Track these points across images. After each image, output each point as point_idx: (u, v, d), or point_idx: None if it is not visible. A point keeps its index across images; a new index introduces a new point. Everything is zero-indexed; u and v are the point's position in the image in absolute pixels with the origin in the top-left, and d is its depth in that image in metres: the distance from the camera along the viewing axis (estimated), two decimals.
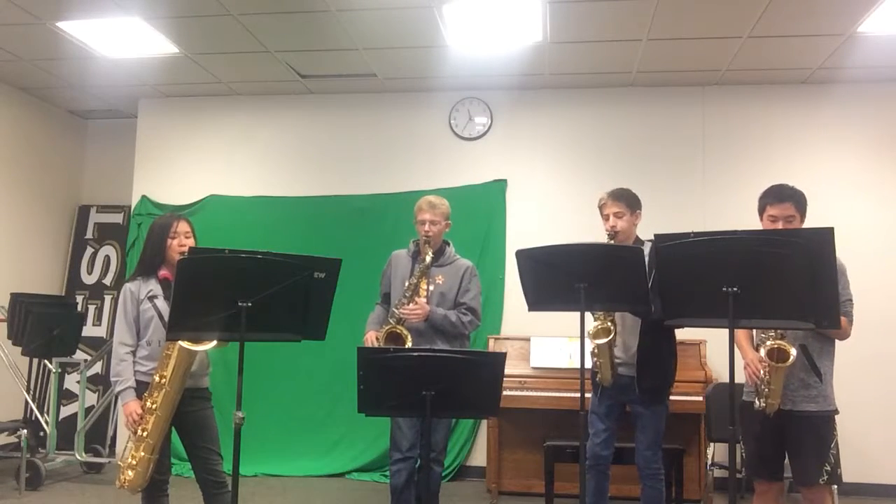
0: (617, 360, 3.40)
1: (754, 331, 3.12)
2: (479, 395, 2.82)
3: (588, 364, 3.22)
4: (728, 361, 2.52)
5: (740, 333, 3.16)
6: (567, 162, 5.92)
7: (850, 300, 3.00)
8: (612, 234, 3.42)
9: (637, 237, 3.51)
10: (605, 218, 3.48)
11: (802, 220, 3.03)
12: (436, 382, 2.72)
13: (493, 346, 5.41)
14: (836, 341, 3.04)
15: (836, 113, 5.65)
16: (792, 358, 2.84)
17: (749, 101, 5.75)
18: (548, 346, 5.21)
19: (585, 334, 3.28)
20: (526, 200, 5.90)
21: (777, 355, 2.87)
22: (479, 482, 5.45)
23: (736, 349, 2.58)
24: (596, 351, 3.32)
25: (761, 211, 3.10)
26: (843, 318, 2.93)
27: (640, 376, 3.36)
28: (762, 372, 2.93)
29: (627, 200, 3.46)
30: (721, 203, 5.62)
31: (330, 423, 5.79)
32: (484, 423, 5.46)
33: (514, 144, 5.98)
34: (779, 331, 2.89)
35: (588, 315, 3.25)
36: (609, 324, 3.30)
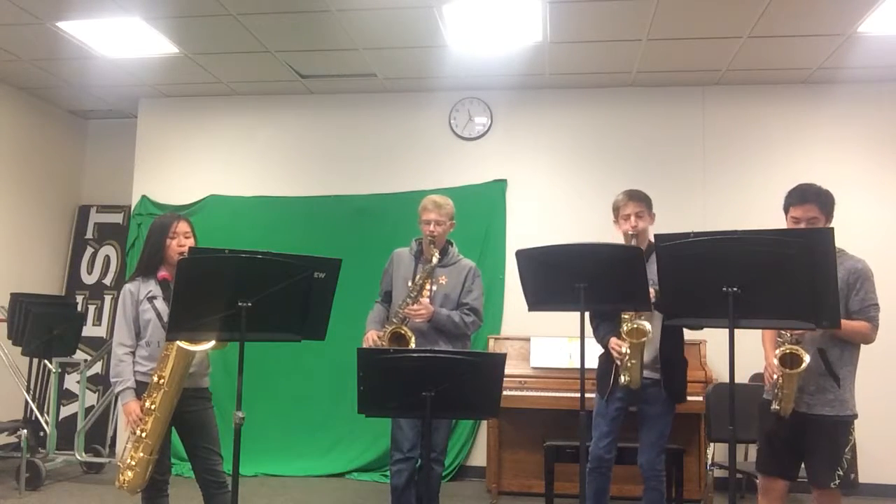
0: None
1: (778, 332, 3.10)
2: (479, 396, 2.82)
3: (588, 364, 3.21)
4: (728, 361, 2.52)
5: (766, 333, 3.16)
6: (567, 162, 5.92)
7: (876, 305, 2.97)
8: (635, 233, 3.40)
9: (650, 240, 3.45)
10: (625, 218, 3.45)
11: (828, 221, 2.97)
12: (436, 383, 2.71)
13: (493, 346, 5.41)
14: (862, 346, 3.01)
15: (836, 113, 5.65)
16: (804, 364, 2.82)
17: (749, 101, 5.75)
18: (548, 346, 5.21)
19: (620, 334, 3.28)
20: (526, 200, 5.90)
21: (790, 361, 2.85)
22: (480, 482, 5.45)
23: (737, 349, 2.57)
24: (629, 351, 3.26)
25: (785, 210, 3.06)
26: (867, 323, 2.94)
27: (667, 378, 3.36)
28: (775, 376, 2.92)
29: (646, 200, 3.48)
30: (721, 203, 5.62)
31: (330, 423, 5.79)
32: (484, 423, 5.46)
33: (514, 144, 5.98)
34: (794, 335, 2.86)
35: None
36: (645, 324, 3.21)
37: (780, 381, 2.90)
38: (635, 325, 3.23)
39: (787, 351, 2.86)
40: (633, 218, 3.43)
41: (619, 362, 3.35)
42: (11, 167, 6.30)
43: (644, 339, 3.23)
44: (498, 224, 5.87)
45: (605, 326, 3.47)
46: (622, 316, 3.28)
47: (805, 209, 2.97)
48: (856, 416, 2.99)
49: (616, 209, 3.53)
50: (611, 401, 3.45)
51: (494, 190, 5.93)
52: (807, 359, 2.82)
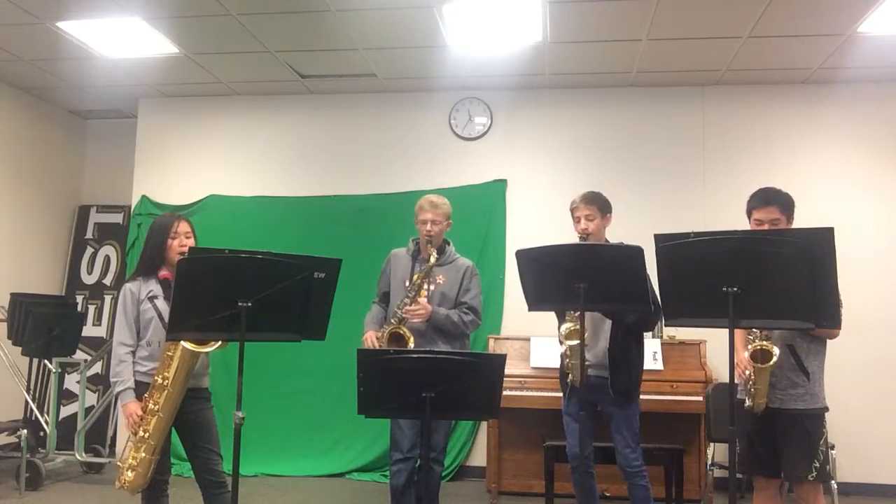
0: (587, 363, 3.39)
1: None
2: (479, 397, 2.83)
3: (587, 363, 3.22)
4: (728, 361, 2.53)
5: (735, 334, 3.18)
6: (567, 162, 5.92)
7: (839, 301, 3.01)
8: (584, 236, 3.46)
9: (606, 240, 3.56)
10: (577, 220, 3.53)
11: (789, 223, 3.07)
12: (436, 384, 2.72)
13: (493, 346, 5.41)
14: (828, 340, 3.06)
15: (836, 113, 5.65)
16: (774, 359, 2.88)
17: (749, 101, 5.75)
18: (548, 346, 5.18)
19: (558, 335, 3.35)
20: (526, 200, 5.90)
21: (760, 356, 2.92)
22: (479, 482, 5.45)
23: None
24: (568, 353, 3.33)
25: (749, 214, 3.14)
26: None
27: (614, 378, 3.38)
28: (747, 372, 2.97)
29: (599, 204, 3.52)
30: (721, 203, 5.61)
31: (330, 423, 5.79)
32: (484, 423, 5.46)
33: (514, 144, 5.99)
34: (763, 332, 2.93)
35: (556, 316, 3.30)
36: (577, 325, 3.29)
37: (753, 376, 2.95)
38: (572, 328, 3.26)
39: (758, 347, 2.92)
40: (582, 221, 3.49)
41: (564, 362, 3.41)
42: (11, 167, 6.30)
43: (578, 341, 3.23)
44: (498, 224, 5.87)
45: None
46: (565, 317, 3.33)
47: (767, 211, 3.04)
48: (826, 409, 3.03)
49: (570, 211, 3.58)
50: (572, 399, 3.48)
51: (494, 190, 5.93)
52: (776, 352, 2.89)
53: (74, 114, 7.01)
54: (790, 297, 2.49)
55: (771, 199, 3.06)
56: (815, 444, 2.95)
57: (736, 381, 3.10)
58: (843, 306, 3.02)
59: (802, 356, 2.98)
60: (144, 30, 4.97)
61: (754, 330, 2.95)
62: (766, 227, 3.02)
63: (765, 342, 2.92)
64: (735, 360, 3.06)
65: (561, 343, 3.42)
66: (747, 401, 3.00)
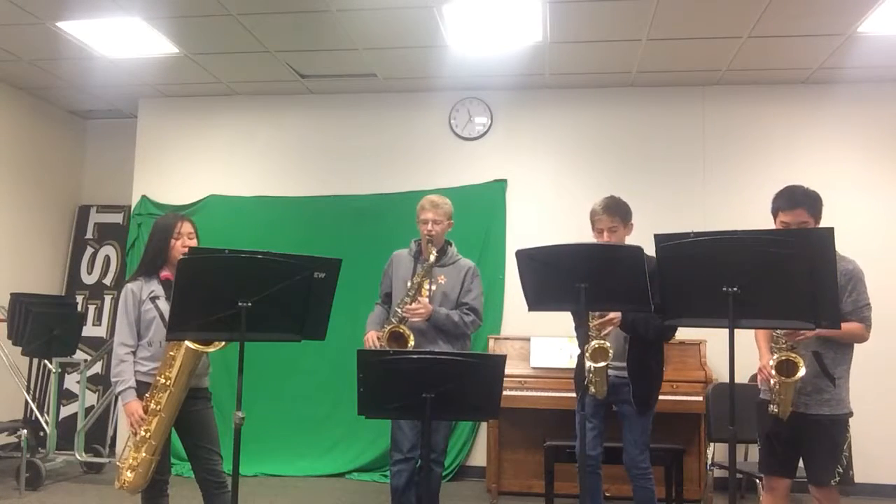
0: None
1: (773, 333, 3.10)
2: (479, 397, 2.82)
3: (589, 364, 3.22)
4: (728, 361, 2.52)
5: (760, 333, 3.16)
6: (567, 162, 5.92)
7: (869, 305, 3.00)
8: None
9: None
10: (599, 232, 3.45)
11: (817, 223, 2.98)
12: (436, 385, 2.71)
13: (493, 346, 5.41)
14: (854, 345, 3.02)
15: (836, 113, 5.65)
16: (800, 374, 2.82)
17: (749, 101, 5.75)
18: (548, 346, 5.21)
19: (583, 355, 3.29)
20: (526, 200, 5.90)
21: (786, 369, 2.85)
22: (479, 482, 5.45)
23: (737, 349, 2.57)
24: (593, 369, 3.26)
25: (774, 214, 3.06)
26: (861, 324, 2.97)
27: (635, 385, 3.37)
28: (772, 382, 2.93)
29: (621, 214, 3.45)
30: (721, 203, 5.62)
31: (330, 423, 5.79)
32: (484, 423, 5.46)
33: (514, 144, 5.99)
34: (789, 341, 2.87)
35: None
36: (606, 343, 3.24)
37: (777, 387, 2.91)
38: (597, 346, 3.22)
39: (784, 357, 2.87)
40: (605, 233, 3.43)
41: (588, 376, 3.34)
42: (11, 167, 6.30)
43: (605, 362, 3.21)
44: (498, 224, 5.87)
45: (580, 333, 3.46)
46: (590, 331, 3.26)
47: (795, 214, 2.97)
48: (851, 413, 3.01)
49: (591, 221, 3.51)
50: (587, 398, 3.45)
51: (494, 190, 5.93)
52: (802, 370, 2.82)
53: (74, 114, 7.01)
54: (790, 297, 2.49)
55: (798, 201, 2.97)
56: (840, 450, 2.94)
57: (759, 384, 3.09)
58: (872, 309, 3.01)
59: (828, 363, 2.95)
60: (144, 30, 4.97)
61: (780, 338, 2.88)
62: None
63: (791, 353, 2.85)
64: (761, 363, 3.05)
65: (583, 356, 3.35)
66: (772, 407, 2.96)
